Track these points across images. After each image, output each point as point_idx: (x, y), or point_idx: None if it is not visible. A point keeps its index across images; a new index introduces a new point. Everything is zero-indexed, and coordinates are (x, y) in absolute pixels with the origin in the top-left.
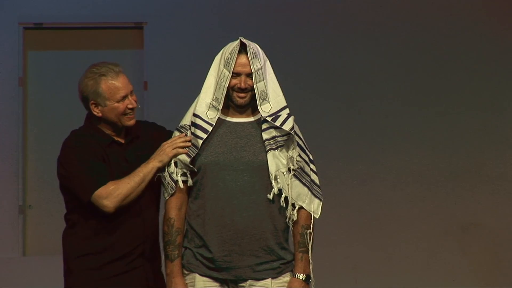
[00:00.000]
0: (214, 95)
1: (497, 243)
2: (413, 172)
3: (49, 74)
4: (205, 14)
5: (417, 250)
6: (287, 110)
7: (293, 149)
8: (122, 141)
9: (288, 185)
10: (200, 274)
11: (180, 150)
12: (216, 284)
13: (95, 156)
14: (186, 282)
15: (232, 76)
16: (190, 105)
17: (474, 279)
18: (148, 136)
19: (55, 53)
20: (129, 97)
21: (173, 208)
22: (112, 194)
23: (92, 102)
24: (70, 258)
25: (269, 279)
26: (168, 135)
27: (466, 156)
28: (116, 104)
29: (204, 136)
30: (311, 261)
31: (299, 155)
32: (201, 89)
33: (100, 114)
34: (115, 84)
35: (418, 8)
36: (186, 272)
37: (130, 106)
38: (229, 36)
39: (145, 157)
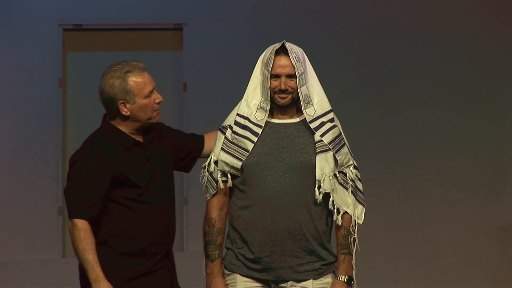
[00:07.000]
0: (262, 96)
1: None
2: (453, 174)
3: (89, 76)
4: (244, 17)
5: (457, 251)
6: (331, 114)
7: (342, 154)
8: (141, 140)
9: (333, 190)
10: (241, 275)
11: None
12: (257, 284)
13: (101, 170)
14: (227, 282)
15: (271, 77)
16: (229, 106)
17: None
18: (161, 136)
19: (94, 54)
20: (155, 92)
21: (215, 208)
22: (78, 234)
23: (120, 101)
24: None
25: (310, 280)
26: (174, 132)
27: (507, 158)
28: (144, 100)
29: (255, 139)
30: (354, 266)
31: (348, 163)
32: (245, 90)
33: (128, 113)
34: (141, 80)
35: (458, 14)
36: (227, 272)
37: (157, 100)
38: (267, 38)
39: (163, 157)
